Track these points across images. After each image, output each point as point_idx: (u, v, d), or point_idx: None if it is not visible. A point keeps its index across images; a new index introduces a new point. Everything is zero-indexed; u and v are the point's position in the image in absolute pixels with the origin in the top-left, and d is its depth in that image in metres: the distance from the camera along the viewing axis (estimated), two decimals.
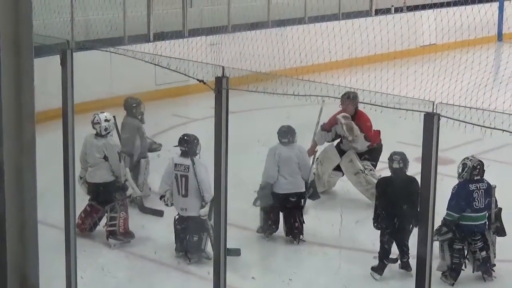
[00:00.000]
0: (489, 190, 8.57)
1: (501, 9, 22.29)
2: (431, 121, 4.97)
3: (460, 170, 8.65)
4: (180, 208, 9.07)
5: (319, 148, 10.83)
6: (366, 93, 6.54)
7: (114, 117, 9.79)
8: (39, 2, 14.04)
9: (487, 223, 8.60)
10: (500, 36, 22.63)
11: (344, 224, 9.51)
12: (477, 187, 8.54)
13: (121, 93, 12.69)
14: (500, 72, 16.61)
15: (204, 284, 8.26)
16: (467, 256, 8.64)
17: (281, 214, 9.65)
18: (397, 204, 8.64)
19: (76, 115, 6.45)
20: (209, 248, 8.81)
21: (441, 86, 10.49)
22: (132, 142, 10.49)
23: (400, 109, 5.44)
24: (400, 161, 8.82)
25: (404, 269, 8.76)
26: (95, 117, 9.58)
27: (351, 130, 10.51)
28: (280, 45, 14.16)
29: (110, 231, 9.46)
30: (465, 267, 8.62)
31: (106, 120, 9.57)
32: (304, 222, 9.60)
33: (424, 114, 5.01)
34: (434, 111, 5.00)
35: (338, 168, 10.91)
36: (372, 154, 10.81)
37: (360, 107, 10.44)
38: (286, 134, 9.65)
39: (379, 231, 8.78)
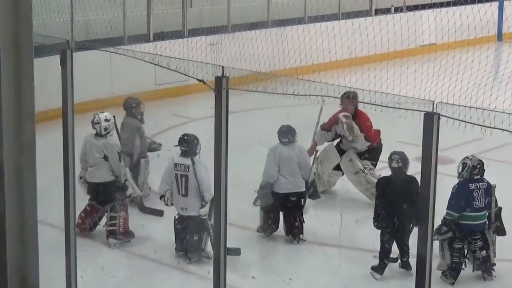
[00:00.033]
0: (489, 190, 8.57)
1: (501, 9, 22.29)
2: (431, 121, 4.98)
3: (460, 170, 8.65)
4: (180, 208, 9.07)
5: (319, 148, 10.83)
6: (366, 92, 6.53)
7: (114, 117, 9.80)
8: (39, 2, 14.03)
9: (487, 222, 8.60)
10: (500, 36, 22.63)
11: (344, 223, 9.51)
12: (477, 186, 8.54)
13: (121, 93, 12.69)
14: (500, 72, 16.59)
15: (204, 284, 8.26)
16: (467, 256, 8.64)
17: (281, 214, 9.65)
18: (397, 203, 8.64)
19: (76, 115, 6.46)
20: (209, 248, 8.81)
21: (441, 85, 10.48)
22: (132, 142, 10.49)
23: (400, 108, 5.44)
24: (400, 161, 8.82)
25: (404, 268, 8.76)
26: (95, 117, 9.59)
27: (352, 129, 10.50)
28: (280, 45, 14.13)
29: (110, 230, 9.46)
30: (465, 266, 8.62)
31: (106, 120, 9.58)
32: (304, 222, 9.60)
33: (424, 114, 5.01)
34: (434, 110, 5.00)
35: (338, 168, 10.91)
36: (372, 153, 10.81)
37: (360, 106, 10.44)
38: (286, 133, 9.65)
39: (379, 230, 8.79)
